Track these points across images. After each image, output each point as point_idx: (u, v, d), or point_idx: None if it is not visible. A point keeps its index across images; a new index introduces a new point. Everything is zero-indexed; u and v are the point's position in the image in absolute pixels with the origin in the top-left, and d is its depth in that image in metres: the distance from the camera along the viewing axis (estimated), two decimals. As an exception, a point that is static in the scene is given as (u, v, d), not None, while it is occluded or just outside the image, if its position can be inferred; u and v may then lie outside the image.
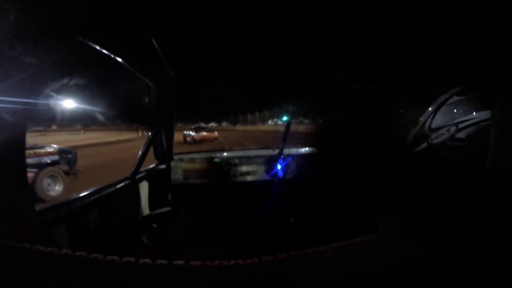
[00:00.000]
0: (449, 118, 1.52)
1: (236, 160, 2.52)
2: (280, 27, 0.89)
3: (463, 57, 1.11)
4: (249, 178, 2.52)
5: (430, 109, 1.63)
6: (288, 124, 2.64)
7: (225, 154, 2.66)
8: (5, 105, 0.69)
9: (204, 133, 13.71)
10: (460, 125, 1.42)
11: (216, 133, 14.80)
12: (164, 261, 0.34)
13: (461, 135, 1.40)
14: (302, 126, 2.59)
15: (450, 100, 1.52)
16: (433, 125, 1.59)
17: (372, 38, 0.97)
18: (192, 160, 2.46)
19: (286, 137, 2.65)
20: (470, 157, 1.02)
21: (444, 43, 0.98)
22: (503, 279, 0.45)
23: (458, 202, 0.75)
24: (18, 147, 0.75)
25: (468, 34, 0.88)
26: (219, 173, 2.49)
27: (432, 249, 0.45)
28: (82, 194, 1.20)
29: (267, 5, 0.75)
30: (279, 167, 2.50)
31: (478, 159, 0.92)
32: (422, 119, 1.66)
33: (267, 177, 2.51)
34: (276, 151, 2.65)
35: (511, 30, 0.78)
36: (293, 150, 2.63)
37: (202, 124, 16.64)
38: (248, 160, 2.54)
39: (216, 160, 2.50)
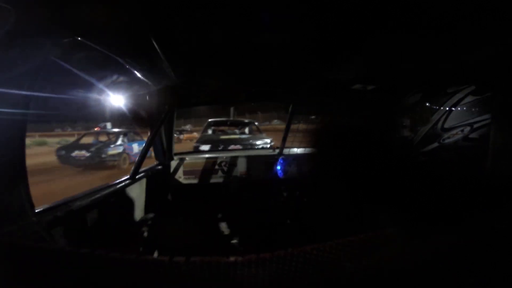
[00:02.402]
0: (463, 118, 1.48)
1: (236, 160, 2.52)
2: (281, 27, 0.89)
3: (462, 57, 1.11)
4: (249, 178, 2.52)
5: (443, 108, 1.60)
6: (288, 124, 2.65)
7: (225, 154, 2.66)
8: (5, 105, 0.69)
9: (187, 135, 18.48)
10: (475, 125, 1.39)
11: (196, 134, 20.23)
12: (165, 258, 0.35)
13: (475, 135, 1.38)
14: (302, 126, 2.59)
15: (465, 100, 1.49)
16: (446, 125, 1.56)
17: (372, 37, 0.96)
18: (192, 160, 2.46)
19: (286, 137, 2.65)
20: (483, 157, 1.01)
21: (443, 43, 0.98)
22: (503, 278, 0.45)
23: (466, 202, 0.75)
24: (18, 147, 0.75)
25: (468, 34, 0.88)
26: (219, 173, 2.49)
27: (431, 248, 0.45)
28: (82, 194, 1.20)
29: (268, 5, 0.75)
30: (279, 167, 2.50)
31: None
32: (434, 118, 1.63)
33: (267, 177, 2.51)
34: (276, 151, 2.65)
35: (511, 30, 0.78)
36: (293, 150, 2.63)
37: (185, 127, 22.82)
38: (248, 160, 2.54)
39: (216, 160, 2.50)
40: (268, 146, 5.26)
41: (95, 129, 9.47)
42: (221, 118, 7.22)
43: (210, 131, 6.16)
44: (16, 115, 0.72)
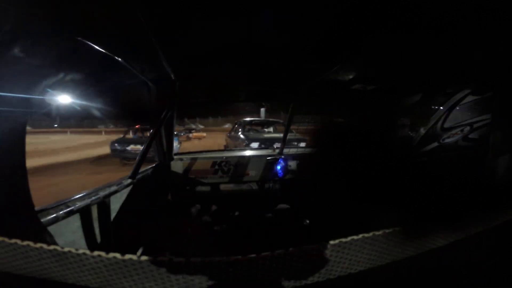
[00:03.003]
0: (463, 118, 1.49)
1: (236, 160, 2.52)
2: (281, 27, 0.89)
3: (462, 57, 1.11)
4: (249, 178, 2.52)
5: (442, 108, 1.60)
6: (288, 124, 2.65)
7: (225, 154, 2.66)
8: (5, 104, 0.69)
9: (196, 133, 19.72)
10: (475, 125, 1.40)
11: (204, 134, 20.78)
12: (165, 258, 0.35)
13: (474, 135, 1.38)
14: (302, 126, 2.59)
15: (465, 100, 1.50)
16: (446, 125, 1.57)
17: (373, 37, 0.97)
18: (192, 160, 2.46)
19: (286, 137, 2.65)
20: (483, 157, 1.02)
21: (443, 43, 0.98)
22: (503, 278, 0.45)
23: (466, 202, 0.75)
24: (18, 147, 0.75)
25: (468, 34, 0.88)
26: (219, 173, 2.49)
27: (431, 247, 0.45)
28: (82, 194, 1.20)
29: (268, 5, 0.75)
30: (279, 167, 2.50)
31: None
32: (433, 118, 1.64)
33: (267, 177, 2.51)
34: (276, 151, 2.65)
35: (510, 30, 0.78)
36: (293, 150, 2.63)
37: (193, 126, 23.72)
38: (248, 160, 2.54)
39: (216, 160, 2.50)
40: (304, 144, 5.43)
41: (136, 126, 9.96)
42: (255, 118, 7.75)
43: (246, 130, 6.52)
44: (16, 115, 0.72)
